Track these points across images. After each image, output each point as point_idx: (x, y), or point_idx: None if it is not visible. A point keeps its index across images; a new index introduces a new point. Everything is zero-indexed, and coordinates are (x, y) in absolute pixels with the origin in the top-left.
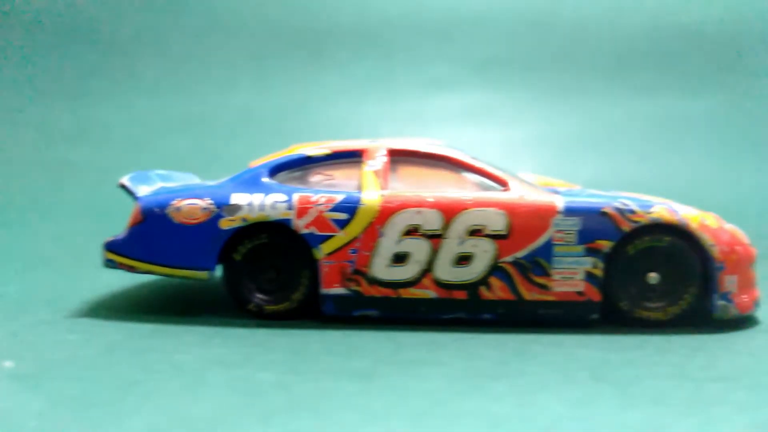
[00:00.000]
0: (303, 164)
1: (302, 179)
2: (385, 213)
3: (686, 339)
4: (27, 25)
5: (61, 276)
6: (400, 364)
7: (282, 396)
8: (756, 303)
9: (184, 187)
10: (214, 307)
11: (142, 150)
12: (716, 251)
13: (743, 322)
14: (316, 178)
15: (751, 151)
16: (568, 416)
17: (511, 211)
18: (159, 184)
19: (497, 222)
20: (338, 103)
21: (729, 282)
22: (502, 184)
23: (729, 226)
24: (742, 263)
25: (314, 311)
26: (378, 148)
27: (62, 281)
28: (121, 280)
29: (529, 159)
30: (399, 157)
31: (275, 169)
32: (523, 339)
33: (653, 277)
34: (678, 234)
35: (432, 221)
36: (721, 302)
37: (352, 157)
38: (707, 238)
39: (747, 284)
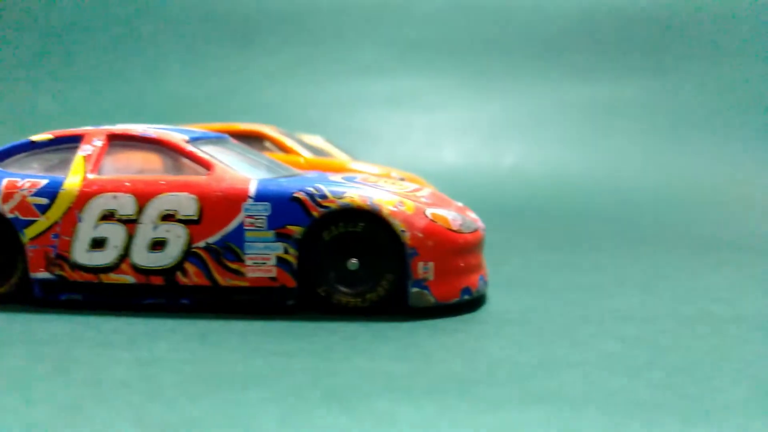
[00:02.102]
0: (28, 149)
1: (26, 164)
2: (83, 198)
3: (350, 326)
4: None
5: None
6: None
7: None
8: (465, 291)
9: None
10: None
11: None
12: (407, 237)
13: (446, 310)
14: (38, 163)
15: (683, 136)
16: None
17: (203, 196)
18: None
19: (189, 207)
20: (266, 88)
21: (424, 269)
22: (207, 167)
23: (433, 212)
24: (442, 250)
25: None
26: (97, 132)
27: None
28: None
29: (453, 144)
30: (119, 142)
31: (3, 155)
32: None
33: (353, 263)
34: (371, 219)
35: (127, 206)
36: (415, 289)
37: (72, 142)
38: (398, 224)
39: (451, 272)
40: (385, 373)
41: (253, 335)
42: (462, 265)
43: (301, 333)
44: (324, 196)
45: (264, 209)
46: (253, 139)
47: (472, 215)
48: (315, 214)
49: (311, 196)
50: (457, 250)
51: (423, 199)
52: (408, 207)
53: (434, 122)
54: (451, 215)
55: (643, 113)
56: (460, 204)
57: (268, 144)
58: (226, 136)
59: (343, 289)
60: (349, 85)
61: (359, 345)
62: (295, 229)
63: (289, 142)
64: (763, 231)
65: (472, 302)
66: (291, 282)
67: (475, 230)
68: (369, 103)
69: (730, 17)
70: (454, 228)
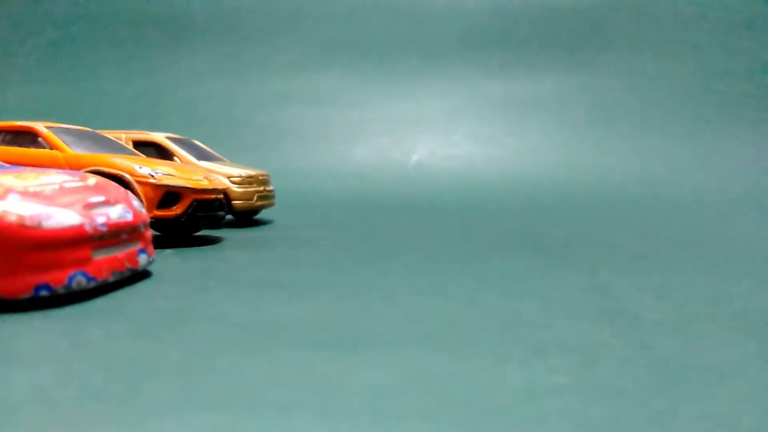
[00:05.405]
0: None
1: None
2: None
3: None
4: None
5: None
6: None
7: None
8: (42, 288)
9: None
10: None
11: None
12: None
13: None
14: None
15: (599, 132)
16: None
17: None
18: None
19: None
20: (192, 86)
21: None
22: None
23: (6, 207)
24: (8, 246)
25: None
26: None
27: None
28: None
29: (365, 141)
30: None
31: None
32: None
33: None
34: None
35: None
36: None
37: None
38: None
39: (20, 268)
40: None
41: None
42: (36, 261)
43: None
44: None
45: None
46: (27, 135)
47: (104, 211)
48: None
49: None
50: (27, 246)
51: (13, 196)
52: None
53: (350, 120)
54: (33, 211)
55: (558, 109)
56: (102, 198)
57: (40, 140)
58: None
59: None
60: (272, 83)
61: None
62: None
63: (57, 138)
64: (639, 230)
65: (71, 297)
66: None
67: (76, 226)
68: (290, 102)
69: (650, 9)
70: (29, 224)
